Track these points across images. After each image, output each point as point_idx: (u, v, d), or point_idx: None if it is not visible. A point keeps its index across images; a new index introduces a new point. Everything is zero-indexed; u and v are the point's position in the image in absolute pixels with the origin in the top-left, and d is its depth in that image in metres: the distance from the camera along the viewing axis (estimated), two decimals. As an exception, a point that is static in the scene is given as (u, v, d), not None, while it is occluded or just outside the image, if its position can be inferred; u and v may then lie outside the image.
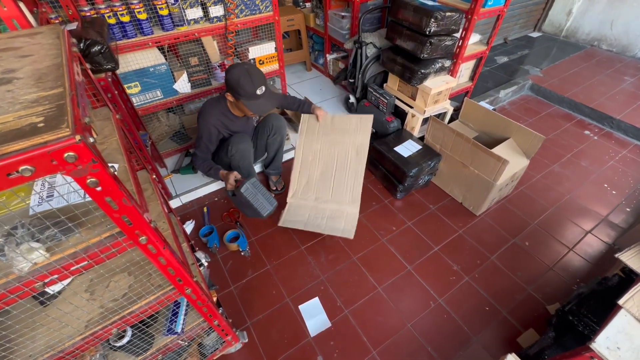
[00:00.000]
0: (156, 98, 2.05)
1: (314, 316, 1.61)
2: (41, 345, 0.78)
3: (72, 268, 0.65)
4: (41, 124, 0.50)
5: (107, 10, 1.65)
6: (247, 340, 1.49)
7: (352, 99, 2.77)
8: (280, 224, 1.89)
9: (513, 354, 1.09)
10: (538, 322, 1.58)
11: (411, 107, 2.33)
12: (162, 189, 2.04)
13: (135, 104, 1.96)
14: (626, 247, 1.16)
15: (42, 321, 0.80)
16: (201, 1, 1.87)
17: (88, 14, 1.62)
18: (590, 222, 2.07)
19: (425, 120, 2.33)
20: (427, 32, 1.93)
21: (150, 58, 1.92)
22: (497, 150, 1.91)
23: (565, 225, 2.05)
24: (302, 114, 2.05)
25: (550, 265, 1.83)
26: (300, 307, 1.64)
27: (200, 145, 1.81)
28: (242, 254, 1.86)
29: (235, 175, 1.70)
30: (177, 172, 2.29)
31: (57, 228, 0.62)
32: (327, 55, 3.23)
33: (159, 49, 1.99)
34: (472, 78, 2.85)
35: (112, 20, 1.69)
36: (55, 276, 0.64)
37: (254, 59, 2.27)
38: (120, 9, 1.67)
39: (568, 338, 1.33)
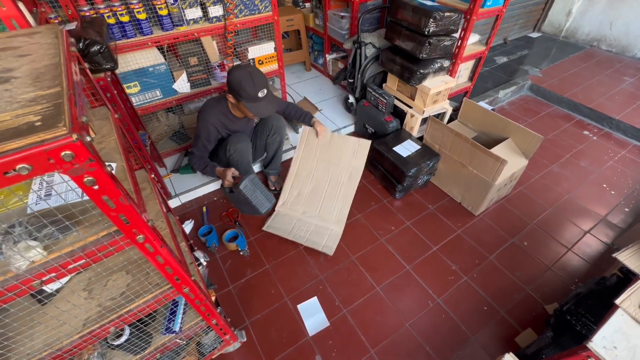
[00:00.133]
0: (155, 98, 2.05)
1: (313, 315, 1.61)
2: (39, 343, 0.78)
3: (70, 266, 0.66)
4: (38, 123, 0.50)
5: (107, 10, 1.66)
6: (245, 339, 1.50)
7: (351, 99, 2.77)
8: (264, 228, 1.95)
9: (511, 353, 1.09)
10: (536, 322, 1.58)
11: (410, 107, 2.33)
12: (161, 188, 2.05)
13: (134, 104, 1.97)
14: (624, 247, 1.16)
15: (40, 319, 0.80)
16: (200, 1, 1.87)
17: (87, 14, 1.62)
18: (589, 222, 2.07)
19: (424, 120, 2.33)
20: (426, 32, 1.93)
21: (150, 58, 1.92)
22: (496, 150, 1.91)
23: (564, 225, 2.05)
24: (303, 125, 2.10)
25: (549, 265, 1.83)
26: (298, 306, 1.65)
27: (198, 144, 1.81)
28: (241, 253, 1.86)
29: (232, 171, 1.71)
30: (177, 172, 2.29)
31: (54, 226, 0.63)
32: (327, 55, 3.24)
33: (159, 49, 2.00)
34: (471, 78, 2.86)
35: (111, 20, 1.69)
36: (53, 274, 0.64)
37: (253, 59, 2.27)
38: (120, 9, 1.67)
39: (566, 338, 1.33)
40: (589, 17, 4.00)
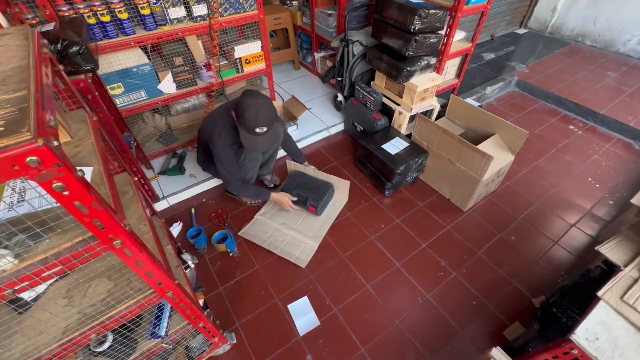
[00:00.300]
0: (140, 99, 2.02)
1: (303, 315, 1.61)
2: (16, 353, 0.76)
3: (44, 274, 0.64)
4: (1, 128, 0.48)
5: (87, 10, 1.62)
6: (235, 341, 1.49)
7: (340, 98, 2.77)
8: (240, 233, 1.95)
9: (498, 347, 1.10)
10: (524, 315, 1.60)
11: (398, 105, 2.33)
12: (148, 191, 2.02)
13: (118, 105, 1.93)
14: (608, 239, 1.18)
15: (17, 329, 0.78)
16: (184, 0, 1.84)
17: (66, 14, 1.58)
18: (574, 215, 2.11)
19: (413, 118, 2.34)
20: (412, 30, 1.93)
21: (133, 58, 1.89)
22: (482, 146, 1.93)
23: (550, 219, 2.08)
24: (293, 162, 2.20)
25: (536, 259, 1.86)
26: (289, 306, 1.64)
27: (228, 170, 1.78)
28: (231, 254, 1.85)
29: (288, 196, 1.94)
30: (164, 174, 2.26)
31: (25, 234, 0.61)
32: (315, 53, 3.22)
33: (142, 49, 1.96)
34: (458, 75, 2.88)
35: (92, 20, 1.65)
36: (26, 283, 0.63)
37: (239, 59, 2.25)
38: (100, 8, 1.64)
39: (552, 330, 1.35)
40: (573, 13, 4.05)
